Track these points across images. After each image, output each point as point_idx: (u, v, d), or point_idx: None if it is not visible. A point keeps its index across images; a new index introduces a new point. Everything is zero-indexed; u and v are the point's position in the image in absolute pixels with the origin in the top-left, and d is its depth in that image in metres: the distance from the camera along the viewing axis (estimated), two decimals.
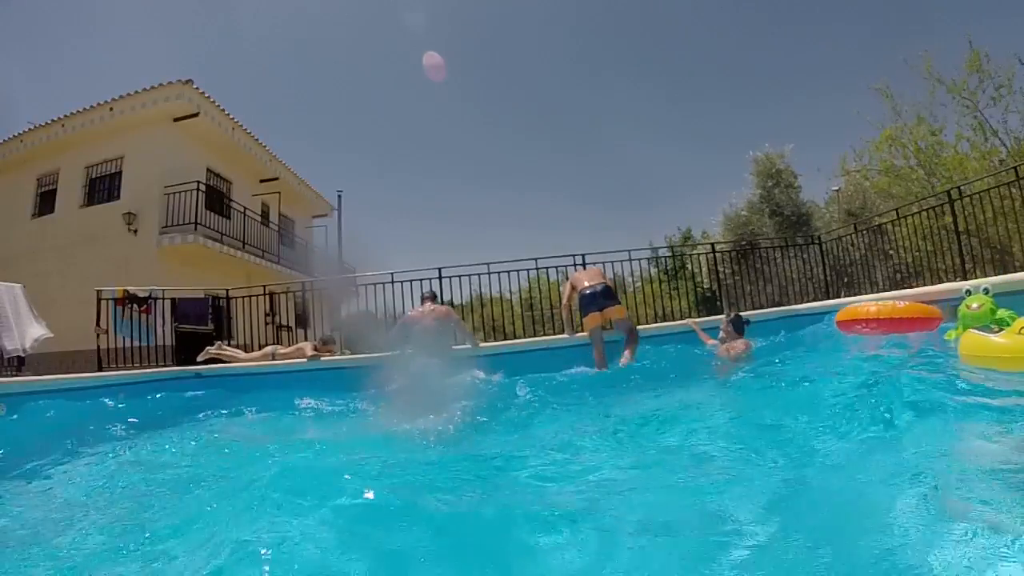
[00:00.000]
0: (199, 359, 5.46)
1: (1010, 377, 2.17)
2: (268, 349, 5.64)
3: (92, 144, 11.00)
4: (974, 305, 3.13)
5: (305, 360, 5.27)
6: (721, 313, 5.59)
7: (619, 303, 4.65)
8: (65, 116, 10.96)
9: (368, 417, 3.52)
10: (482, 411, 2.99)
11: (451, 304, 6.30)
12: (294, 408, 3.93)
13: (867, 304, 3.86)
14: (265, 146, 13.20)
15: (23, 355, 5.85)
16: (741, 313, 4.29)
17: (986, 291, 3.18)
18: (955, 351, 2.68)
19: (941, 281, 5.62)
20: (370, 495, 1.39)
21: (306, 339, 7.46)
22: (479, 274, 6.48)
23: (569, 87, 32.87)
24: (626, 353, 4.45)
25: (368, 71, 33.20)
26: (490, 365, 4.50)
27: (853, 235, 7.64)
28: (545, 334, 6.78)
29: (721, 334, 4.12)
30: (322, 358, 5.32)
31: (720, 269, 8.46)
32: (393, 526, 1.28)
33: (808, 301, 6.89)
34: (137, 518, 1.70)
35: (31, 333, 5.88)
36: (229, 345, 6.24)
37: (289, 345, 6.22)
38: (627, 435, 2.28)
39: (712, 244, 8.52)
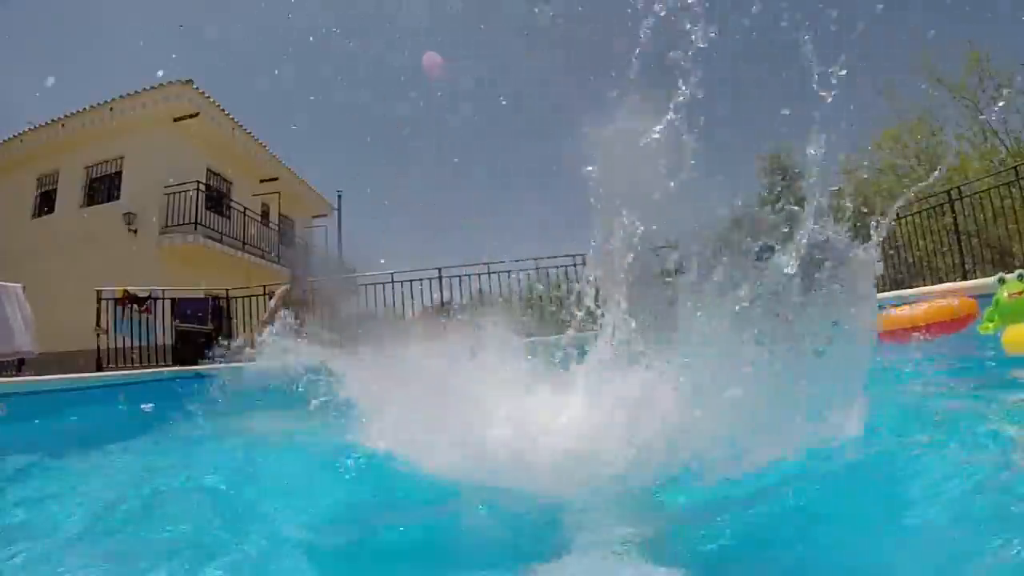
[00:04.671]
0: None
1: None
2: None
3: (92, 144, 11.00)
4: (1005, 294, 3.07)
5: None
6: None
7: None
8: (65, 116, 10.96)
9: None
10: None
11: (450, 304, 6.23)
12: None
13: (902, 309, 3.69)
14: (265, 146, 13.19)
15: (18, 358, 5.77)
16: None
17: (1020, 277, 3.11)
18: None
19: (941, 281, 5.62)
20: None
21: None
22: (479, 274, 6.49)
23: (571, 89, 32.90)
24: None
25: (369, 71, 33.23)
26: None
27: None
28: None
29: None
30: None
31: None
32: None
33: None
34: None
35: (24, 340, 5.76)
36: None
37: None
38: None
39: None
